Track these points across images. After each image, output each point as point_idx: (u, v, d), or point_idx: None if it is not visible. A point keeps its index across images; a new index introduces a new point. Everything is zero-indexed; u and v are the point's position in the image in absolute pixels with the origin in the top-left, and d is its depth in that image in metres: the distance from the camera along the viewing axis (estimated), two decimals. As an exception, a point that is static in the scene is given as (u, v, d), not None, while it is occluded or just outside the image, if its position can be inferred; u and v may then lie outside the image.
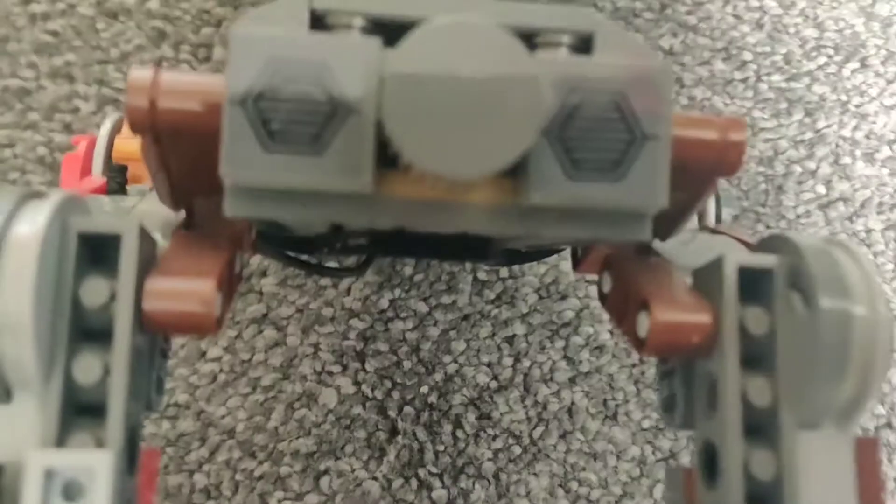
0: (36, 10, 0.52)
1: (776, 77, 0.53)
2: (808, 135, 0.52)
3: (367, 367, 0.46)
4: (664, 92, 0.22)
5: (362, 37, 0.22)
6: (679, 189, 0.26)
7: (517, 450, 0.45)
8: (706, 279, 0.25)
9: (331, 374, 0.46)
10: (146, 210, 0.27)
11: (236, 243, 0.27)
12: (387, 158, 0.21)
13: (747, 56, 0.53)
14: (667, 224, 0.28)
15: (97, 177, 0.38)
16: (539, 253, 0.40)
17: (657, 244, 0.29)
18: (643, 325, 0.24)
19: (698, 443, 0.24)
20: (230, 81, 0.21)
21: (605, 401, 0.46)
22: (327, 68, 0.21)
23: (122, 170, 0.37)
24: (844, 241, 0.25)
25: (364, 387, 0.45)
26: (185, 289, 0.23)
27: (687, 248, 0.30)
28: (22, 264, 0.21)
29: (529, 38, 0.23)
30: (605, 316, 0.48)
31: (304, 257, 0.36)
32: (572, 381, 0.46)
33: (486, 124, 0.20)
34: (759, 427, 0.23)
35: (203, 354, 0.46)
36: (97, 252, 0.22)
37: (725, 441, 0.23)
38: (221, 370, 0.46)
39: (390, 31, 0.22)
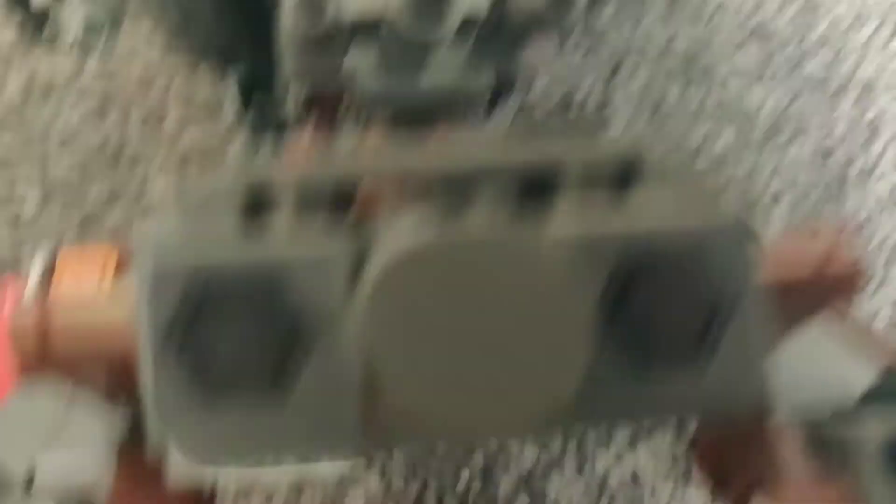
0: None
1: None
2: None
3: (395, 458, 0.40)
4: (748, 248, 0.17)
5: (326, 234, 0.16)
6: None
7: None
8: (835, 447, 0.19)
9: (356, 478, 0.40)
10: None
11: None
12: None
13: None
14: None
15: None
16: None
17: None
18: None
19: None
20: (144, 314, 0.15)
21: (674, 457, 0.40)
22: (282, 281, 0.15)
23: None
24: None
25: (395, 479, 0.39)
26: None
27: (798, 366, 0.24)
28: None
29: (547, 179, 0.17)
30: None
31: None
32: (632, 442, 0.40)
33: (513, 365, 0.15)
34: None
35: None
36: None
37: None
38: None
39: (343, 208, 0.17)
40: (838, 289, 0.20)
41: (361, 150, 0.20)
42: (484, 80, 0.22)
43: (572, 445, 0.40)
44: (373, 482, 0.39)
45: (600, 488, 0.39)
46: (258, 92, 0.30)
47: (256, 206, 0.17)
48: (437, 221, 0.15)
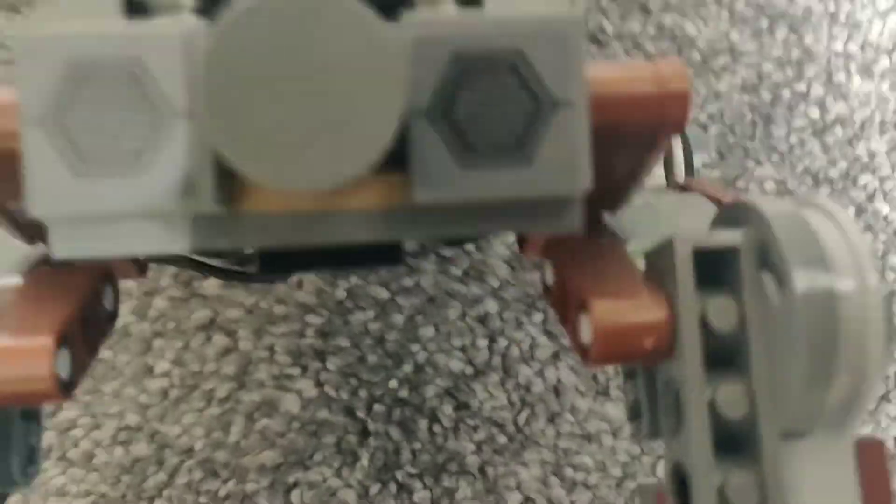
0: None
1: (754, -8, 0.48)
2: (795, 53, 0.47)
3: (329, 365, 0.42)
4: (574, 46, 0.18)
5: (186, 18, 0.17)
6: (618, 155, 0.21)
7: (502, 439, 0.41)
8: (658, 265, 0.21)
9: (290, 377, 0.42)
10: None
11: (105, 272, 0.23)
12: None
13: (719, -28, 0.48)
14: (612, 195, 0.24)
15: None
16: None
17: (608, 217, 0.25)
18: (585, 329, 0.20)
19: (667, 463, 0.20)
20: (22, 98, 0.16)
21: (594, 376, 0.42)
22: (142, 66, 0.17)
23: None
24: (821, 202, 0.20)
25: (327, 388, 0.41)
26: (13, 348, 0.19)
27: (644, 217, 0.25)
28: None
29: None
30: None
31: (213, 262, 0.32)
32: (556, 357, 0.42)
33: (333, 118, 0.15)
34: (736, 442, 0.19)
35: (150, 370, 0.42)
36: None
37: (694, 464, 0.19)
38: (172, 385, 0.42)
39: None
40: (672, 99, 0.20)
41: None
42: None
43: (497, 360, 0.42)
44: (307, 387, 0.41)
45: (522, 399, 0.41)
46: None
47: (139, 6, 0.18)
48: None
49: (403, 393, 0.41)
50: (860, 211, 0.44)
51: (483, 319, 0.42)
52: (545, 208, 0.18)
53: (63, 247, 0.18)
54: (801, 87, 0.46)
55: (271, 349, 0.42)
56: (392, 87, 0.15)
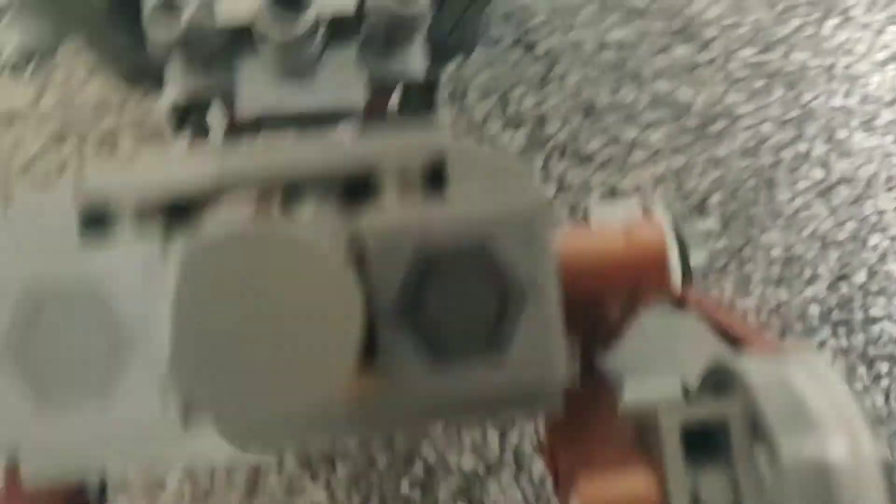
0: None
1: (747, 51, 0.47)
2: (794, 112, 0.46)
3: (339, 472, 0.41)
4: (540, 233, 0.17)
5: (139, 240, 0.17)
6: (604, 311, 0.21)
7: (519, 536, 0.40)
8: (647, 433, 0.20)
9: (302, 489, 0.41)
10: None
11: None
12: None
13: (710, 33, 0.47)
14: (603, 340, 0.23)
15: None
16: None
17: (599, 357, 0.24)
18: None
19: None
20: None
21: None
22: (101, 297, 0.16)
23: None
24: (807, 358, 0.19)
25: (339, 494, 0.41)
26: None
27: (638, 351, 0.24)
28: None
29: (364, 183, 0.18)
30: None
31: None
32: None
33: (291, 357, 0.15)
34: None
35: (162, 485, 0.41)
36: None
37: None
38: (183, 498, 0.41)
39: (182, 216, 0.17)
40: (648, 264, 0.19)
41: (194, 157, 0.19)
42: (362, 92, 0.22)
43: (509, 455, 0.41)
44: (317, 494, 0.41)
45: (537, 495, 0.40)
46: (192, 110, 0.30)
47: (95, 220, 0.17)
48: (245, 217, 0.15)
49: (416, 495, 0.41)
50: (872, 273, 0.42)
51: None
52: (524, 398, 0.18)
53: (31, 476, 0.17)
54: (802, 147, 0.45)
55: (279, 457, 0.41)
56: (349, 324, 0.15)
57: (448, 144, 0.18)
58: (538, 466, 0.41)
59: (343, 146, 0.18)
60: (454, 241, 0.17)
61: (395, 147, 0.18)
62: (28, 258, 0.17)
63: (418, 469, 0.41)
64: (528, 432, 0.41)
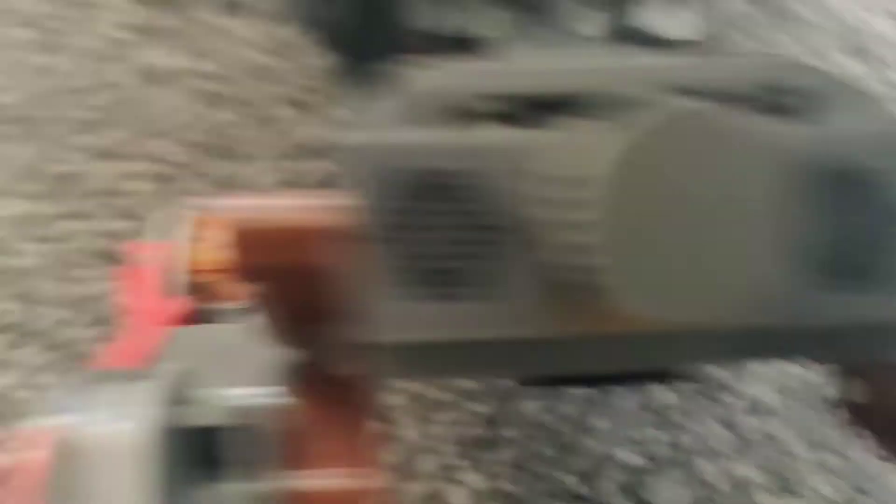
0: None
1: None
2: None
3: (501, 456, 0.39)
4: None
5: (519, 131, 0.16)
6: None
7: (688, 539, 0.38)
8: None
9: (458, 468, 0.39)
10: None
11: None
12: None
13: None
14: None
15: (176, 296, 0.29)
16: None
17: None
18: None
19: None
20: (357, 210, 0.16)
21: (779, 473, 0.40)
22: (484, 180, 0.16)
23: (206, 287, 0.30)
24: None
25: (501, 483, 0.39)
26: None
27: None
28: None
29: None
30: (767, 372, 0.42)
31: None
32: (739, 452, 0.40)
33: (723, 252, 0.14)
34: None
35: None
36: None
37: None
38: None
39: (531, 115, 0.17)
40: None
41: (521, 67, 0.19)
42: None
43: (681, 455, 0.40)
44: (477, 481, 0.39)
45: (709, 498, 0.39)
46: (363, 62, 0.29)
47: (455, 115, 0.17)
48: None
49: (583, 490, 0.39)
50: None
51: (661, 411, 0.40)
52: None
53: (394, 369, 0.17)
54: None
55: (437, 438, 0.39)
56: (787, 228, 0.14)
57: (803, 70, 0.18)
58: (709, 468, 0.39)
59: (720, 63, 0.18)
60: (856, 159, 0.16)
61: (754, 68, 0.18)
62: (408, 138, 0.16)
63: (584, 462, 0.39)
64: (698, 432, 0.40)
